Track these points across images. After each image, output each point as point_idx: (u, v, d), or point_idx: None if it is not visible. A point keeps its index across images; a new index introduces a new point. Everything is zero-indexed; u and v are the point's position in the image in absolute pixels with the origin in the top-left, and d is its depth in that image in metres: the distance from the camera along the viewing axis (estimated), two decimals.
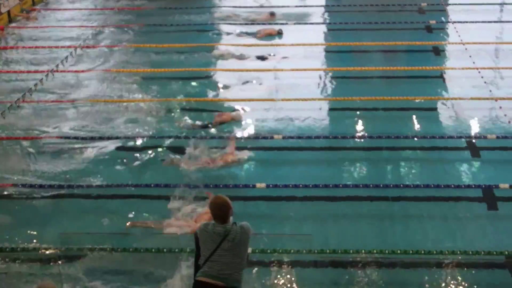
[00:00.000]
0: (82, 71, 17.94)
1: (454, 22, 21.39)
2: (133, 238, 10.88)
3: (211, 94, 16.62)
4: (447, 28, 21.27)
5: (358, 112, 15.28)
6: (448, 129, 14.58)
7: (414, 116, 15.09)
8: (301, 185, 12.25)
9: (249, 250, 9.66)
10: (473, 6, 23.24)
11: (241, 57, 18.74)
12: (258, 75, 17.49)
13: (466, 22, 21.34)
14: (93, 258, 10.33)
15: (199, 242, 7.97)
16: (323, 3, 24.50)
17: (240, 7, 23.56)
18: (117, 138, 14.19)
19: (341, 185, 12.26)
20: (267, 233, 10.90)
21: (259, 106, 15.74)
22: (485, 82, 16.64)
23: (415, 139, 14.04)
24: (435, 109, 15.62)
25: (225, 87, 17.00)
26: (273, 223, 11.32)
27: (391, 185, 12.29)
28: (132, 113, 15.35)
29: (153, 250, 10.44)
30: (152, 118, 15.11)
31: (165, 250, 10.42)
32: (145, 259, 10.32)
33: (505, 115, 14.81)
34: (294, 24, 21.68)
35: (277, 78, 17.60)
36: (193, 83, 17.23)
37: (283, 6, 23.33)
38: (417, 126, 14.77)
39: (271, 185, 12.25)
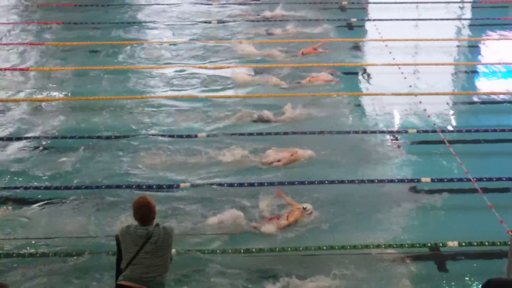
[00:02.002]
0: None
1: (375, 19, 21.66)
2: None
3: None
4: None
5: None
6: (371, 124, 14.73)
7: (336, 112, 15.14)
8: None
9: (174, 251, 9.55)
10: (392, 4, 23.63)
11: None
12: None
13: (386, 19, 21.66)
14: None
15: (120, 245, 7.78)
16: None
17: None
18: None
19: None
20: (193, 233, 10.77)
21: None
22: (405, 78, 16.87)
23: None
24: (358, 104, 15.74)
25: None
26: None
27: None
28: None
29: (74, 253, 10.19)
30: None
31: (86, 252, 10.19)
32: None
33: (425, 109, 15.02)
34: None
35: None
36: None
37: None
38: (342, 121, 14.86)
39: None
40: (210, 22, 21.75)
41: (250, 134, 14.08)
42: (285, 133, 14.10)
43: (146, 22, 22.21)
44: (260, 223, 11.01)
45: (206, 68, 17.81)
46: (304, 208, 11.29)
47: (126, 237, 7.71)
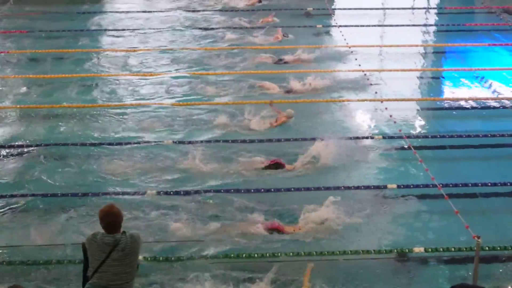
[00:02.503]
0: None
1: (340, 26, 21.75)
2: None
3: None
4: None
5: None
6: (337, 130, 14.71)
7: (302, 118, 15.19)
8: None
9: (141, 258, 9.49)
10: (357, 10, 23.76)
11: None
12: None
13: (351, 26, 21.78)
14: None
15: (87, 253, 7.71)
16: None
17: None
18: None
19: None
20: (160, 240, 10.71)
21: None
22: (370, 84, 16.95)
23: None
24: (324, 111, 15.73)
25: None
26: None
27: None
28: None
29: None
30: None
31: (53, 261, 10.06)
32: None
33: (391, 115, 15.10)
34: None
35: None
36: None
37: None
38: (307, 127, 14.88)
39: None
40: (177, 29, 21.63)
41: (217, 141, 14.07)
42: (260, 141, 14.11)
43: (112, 30, 22.04)
44: None
45: (172, 74, 17.72)
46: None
47: (93, 245, 7.65)
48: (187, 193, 12.11)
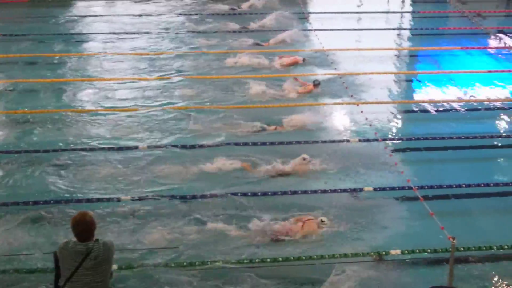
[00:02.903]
0: None
1: (316, 29, 21.77)
2: None
3: None
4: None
5: None
6: (314, 134, 14.74)
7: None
8: None
9: (115, 267, 9.40)
10: (333, 14, 23.81)
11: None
12: None
13: (327, 29, 21.82)
14: None
15: (58, 262, 7.59)
16: None
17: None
18: None
19: None
20: (134, 247, 10.61)
21: None
22: (346, 88, 16.96)
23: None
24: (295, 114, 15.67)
25: None
26: None
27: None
28: None
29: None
30: None
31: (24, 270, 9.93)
32: None
33: (366, 118, 15.12)
34: None
35: None
36: None
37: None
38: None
39: None
40: (151, 33, 21.55)
41: (192, 146, 13.98)
42: (240, 144, 14.07)
43: (84, 34, 21.90)
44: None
45: (146, 79, 17.64)
46: (322, 221, 11.25)
47: (65, 254, 7.54)
48: (162, 198, 12.02)
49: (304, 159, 12.79)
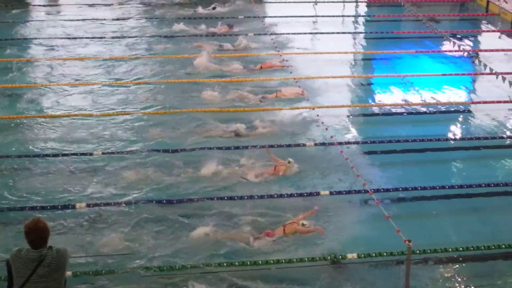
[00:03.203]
0: None
1: (271, 34, 21.79)
2: None
3: None
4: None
5: None
6: (270, 138, 14.70)
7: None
8: None
9: (69, 274, 9.28)
10: (288, 18, 23.87)
11: None
12: None
13: (282, 33, 21.88)
14: None
15: (11, 270, 7.44)
16: None
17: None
18: None
19: None
20: (89, 254, 10.48)
21: None
22: (302, 92, 16.97)
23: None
24: (254, 118, 15.63)
25: None
26: None
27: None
28: None
29: None
30: None
31: None
32: None
33: (322, 122, 15.15)
34: None
35: None
36: None
37: None
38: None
39: None
40: (105, 38, 21.35)
41: (152, 151, 13.90)
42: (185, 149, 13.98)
43: (40, 38, 21.58)
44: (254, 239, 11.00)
45: (101, 84, 17.47)
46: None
47: (17, 261, 7.38)
48: (117, 204, 11.90)
49: (289, 162, 12.94)
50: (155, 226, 11.37)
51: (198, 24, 22.71)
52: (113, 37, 21.45)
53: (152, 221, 11.49)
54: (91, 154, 13.68)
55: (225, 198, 12.19)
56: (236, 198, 12.18)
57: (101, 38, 21.35)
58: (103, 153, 13.74)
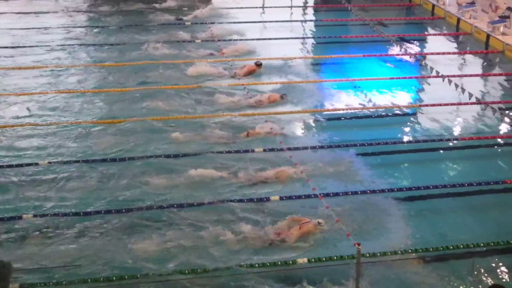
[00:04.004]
0: None
1: (219, 40, 21.71)
2: None
3: None
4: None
5: None
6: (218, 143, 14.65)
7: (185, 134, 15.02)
8: None
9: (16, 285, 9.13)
10: (235, 24, 23.83)
11: None
12: None
13: (229, 40, 21.84)
14: None
15: None
16: None
17: None
18: None
19: None
20: (37, 266, 10.30)
21: None
22: (250, 97, 16.92)
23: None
24: (206, 126, 15.55)
25: None
26: None
27: None
28: None
29: None
30: None
31: None
32: None
33: (271, 128, 15.09)
34: None
35: None
36: None
37: None
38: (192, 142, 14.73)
39: None
40: (49, 46, 21.05)
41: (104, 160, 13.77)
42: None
43: None
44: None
45: (46, 94, 17.22)
46: (318, 223, 11.43)
47: None
48: (65, 215, 11.72)
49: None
50: (103, 236, 11.21)
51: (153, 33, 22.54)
52: (58, 45, 21.14)
53: (99, 231, 11.33)
54: (36, 164, 13.44)
55: (174, 206, 12.11)
56: (175, 206, 12.14)
57: (46, 46, 21.01)
58: (49, 163, 13.50)
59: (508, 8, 22.68)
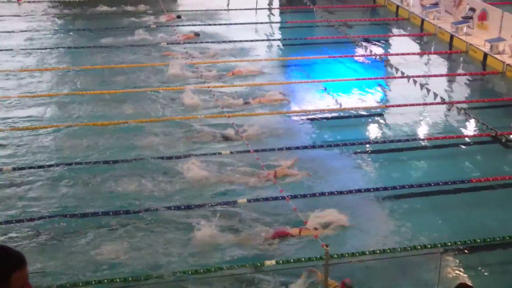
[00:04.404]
0: None
1: (184, 43, 21.63)
2: None
3: None
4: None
5: None
6: (183, 150, 14.52)
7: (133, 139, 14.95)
8: None
9: None
10: (201, 26, 23.78)
11: None
12: None
13: (195, 42, 21.78)
14: None
15: None
16: None
17: None
18: None
19: None
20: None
21: None
22: (217, 100, 16.89)
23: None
24: (177, 132, 15.43)
25: None
26: None
27: None
28: None
29: None
30: None
31: None
32: None
33: (237, 130, 15.08)
34: None
35: None
36: None
37: None
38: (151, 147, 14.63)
39: None
40: (13, 50, 20.80)
41: (58, 164, 13.55)
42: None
43: None
44: None
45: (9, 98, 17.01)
46: (315, 229, 11.29)
47: None
48: (30, 220, 11.59)
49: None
50: (64, 242, 11.12)
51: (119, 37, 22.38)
52: (22, 49, 20.89)
53: (64, 237, 11.24)
54: (0, 169, 13.27)
55: (141, 211, 12.01)
56: (182, 207, 11.99)
57: (9, 50, 20.76)
58: (13, 169, 13.32)
59: (471, 9, 22.93)
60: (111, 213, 11.86)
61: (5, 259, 3.58)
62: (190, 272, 10.21)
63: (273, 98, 17.28)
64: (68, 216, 11.77)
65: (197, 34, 22.16)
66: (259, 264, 10.43)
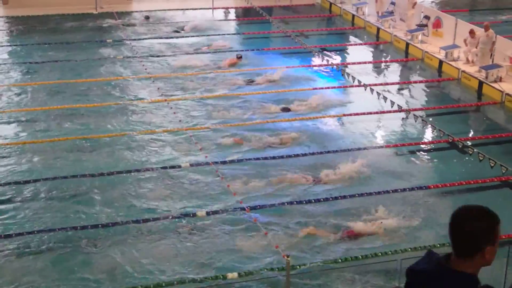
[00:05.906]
0: None
1: (142, 56, 21.49)
2: None
3: None
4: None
5: None
6: (142, 160, 14.50)
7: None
8: None
9: None
10: (156, 39, 23.66)
11: None
12: None
13: (153, 56, 21.67)
14: None
15: None
16: None
17: None
18: None
19: None
20: None
21: None
22: (174, 113, 16.79)
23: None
24: (133, 145, 15.36)
25: None
26: None
27: None
28: None
29: None
30: None
31: None
32: None
33: (196, 142, 15.02)
34: None
35: None
36: None
37: None
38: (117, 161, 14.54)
39: None
40: None
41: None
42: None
43: None
44: None
45: None
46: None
47: None
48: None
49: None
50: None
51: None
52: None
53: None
54: None
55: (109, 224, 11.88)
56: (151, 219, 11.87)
57: None
58: None
59: (426, 17, 23.20)
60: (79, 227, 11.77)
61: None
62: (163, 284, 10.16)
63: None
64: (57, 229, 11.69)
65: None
66: (221, 276, 10.37)
